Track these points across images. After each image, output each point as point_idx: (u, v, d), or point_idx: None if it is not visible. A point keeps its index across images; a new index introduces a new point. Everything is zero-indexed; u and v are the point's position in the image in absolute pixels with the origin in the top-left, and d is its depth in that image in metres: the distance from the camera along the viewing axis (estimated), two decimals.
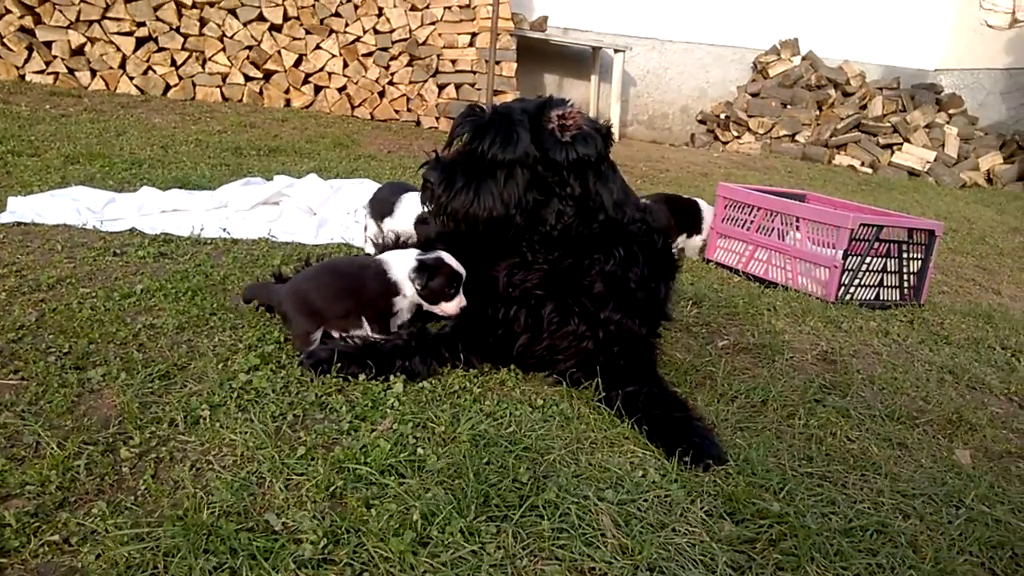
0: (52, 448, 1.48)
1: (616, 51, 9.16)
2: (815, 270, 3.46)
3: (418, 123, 7.77)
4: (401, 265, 2.16)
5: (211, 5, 7.11)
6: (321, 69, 7.52)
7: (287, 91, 7.52)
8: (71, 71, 6.83)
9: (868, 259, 3.39)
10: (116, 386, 1.76)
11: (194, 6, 7.06)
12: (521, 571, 1.31)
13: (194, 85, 7.21)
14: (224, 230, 3.25)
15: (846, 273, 3.35)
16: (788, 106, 10.01)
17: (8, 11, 6.57)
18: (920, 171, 9.32)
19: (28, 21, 6.64)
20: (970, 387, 2.58)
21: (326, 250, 3.18)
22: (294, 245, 3.24)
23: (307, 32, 7.38)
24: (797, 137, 9.81)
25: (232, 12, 7.16)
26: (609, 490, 1.56)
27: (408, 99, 7.75)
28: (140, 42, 6.98)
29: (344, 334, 2.13)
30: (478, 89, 7.71)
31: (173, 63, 7.11)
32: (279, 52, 7.36)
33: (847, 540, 1.50)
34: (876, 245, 3.40)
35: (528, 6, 9.27)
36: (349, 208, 3.78)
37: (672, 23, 10.11)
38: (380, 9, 7.47)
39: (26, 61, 6.68)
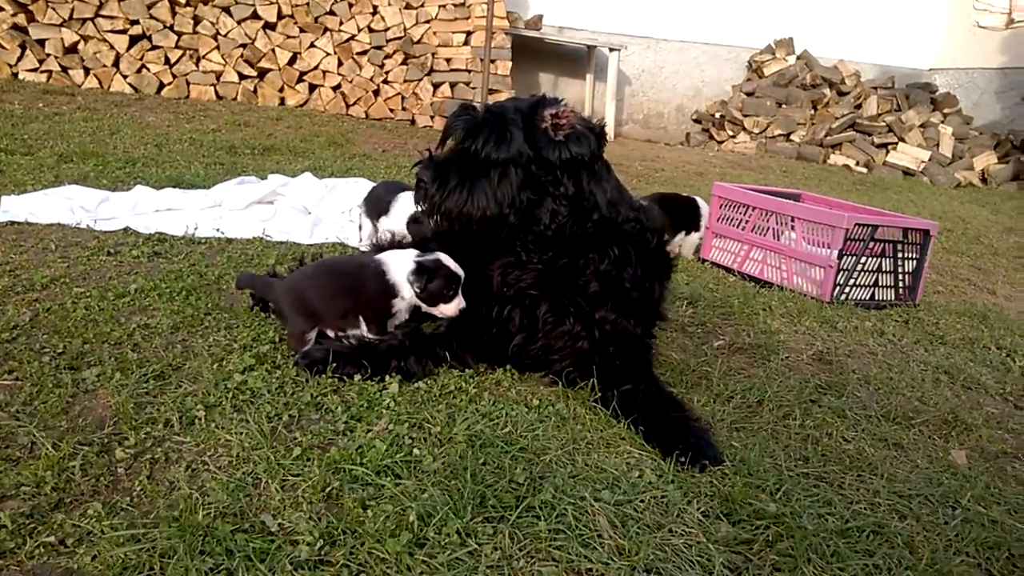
0: (47, 449, 1.47)
1: (611, 50, 9.16)
2: (810, 270, 3.47)
3: (413, 122, 7.76)
4: (400, 267, 2.14)
5: (205, 3, 7.09)
6: (316, 67, 7.51)
7: (281, 90, 7.50)
8: (64, 69, 6.80)
9: (863, 259, 3.40)
10: (111, 386, 1.75)
11: (188, 4, 7.04)
12: (518, 572, 1.30)
13: (188, 83, 7.19)
14: (218, 229, 3.24)
15: (841, 273, 3.36)
16: (783, 105, 10.04)
17: (1, 9, 6.55)
18: (915, 171, 9.36)
19: (21, 19, 6.61)
20: (966, 387, 2.59)
21: (321, 249, 3.17)
22: (289, 244, 3.24)
23: (301, 30, 7.36)
24: (792, 136, 9.84)
25: (226, 10, 7.14)
26: (605, 491, 1.56)
27: (403, 98, 7.74)
28: (134, 40, 6.95)
29: (340, 334, 2.12)
30: (473, 88, 7.70)
31: (167, 61, 7.09)
32: (273, 50, 7.34)
33: (843, 541, 1.51)
34: (871, 245, 3.41)
35: (523, 5, 9.26)
36: (344, 207, 3.77)
37: (667, 22, 10.13)
38: (375, 7, 7.46)
39: (19, 59, 6.65)
